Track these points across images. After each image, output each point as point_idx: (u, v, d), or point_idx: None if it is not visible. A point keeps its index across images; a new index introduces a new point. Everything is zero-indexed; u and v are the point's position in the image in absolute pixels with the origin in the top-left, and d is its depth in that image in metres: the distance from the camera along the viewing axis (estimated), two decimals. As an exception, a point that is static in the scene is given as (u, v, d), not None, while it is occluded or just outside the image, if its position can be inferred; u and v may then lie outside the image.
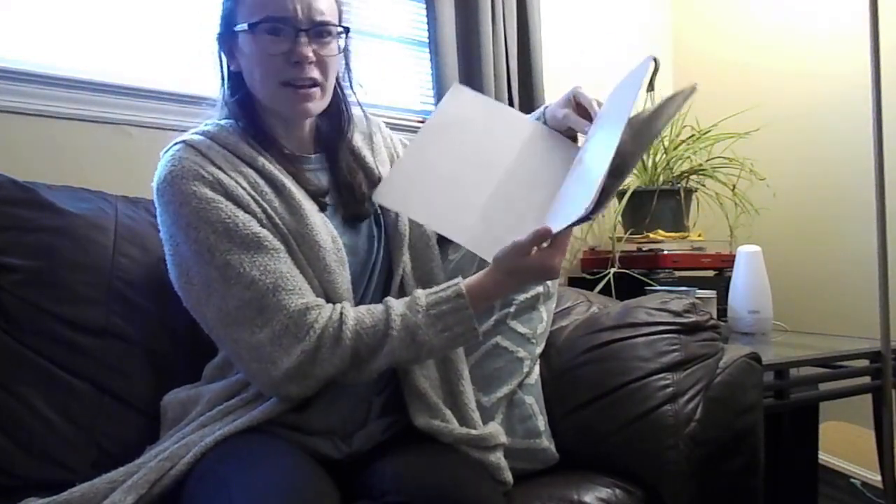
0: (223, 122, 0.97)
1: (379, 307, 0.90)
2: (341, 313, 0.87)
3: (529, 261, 0.88)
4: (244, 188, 0.90)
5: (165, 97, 1.49)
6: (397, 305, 0.89)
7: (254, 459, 0.79)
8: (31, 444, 0.96)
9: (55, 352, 1.01)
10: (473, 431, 0.95)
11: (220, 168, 0.90)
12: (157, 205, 0.91)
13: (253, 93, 0.97)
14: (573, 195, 0.90)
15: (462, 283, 0.90)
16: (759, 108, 2.04)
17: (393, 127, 1.83)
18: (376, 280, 1.01)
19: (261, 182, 0.92)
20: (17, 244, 1.03)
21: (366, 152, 1.07)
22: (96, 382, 1.02)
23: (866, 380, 1.50)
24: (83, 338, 1.03)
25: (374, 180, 1.03)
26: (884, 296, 1.46)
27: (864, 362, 1.51)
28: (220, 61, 0.99)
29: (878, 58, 1.42)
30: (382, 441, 0.97)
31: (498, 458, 0.96)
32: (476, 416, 0.98)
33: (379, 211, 1.04)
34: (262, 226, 0.89)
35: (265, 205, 0.90)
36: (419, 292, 0.90)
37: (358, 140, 1.08)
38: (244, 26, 0.92)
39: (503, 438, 0.98)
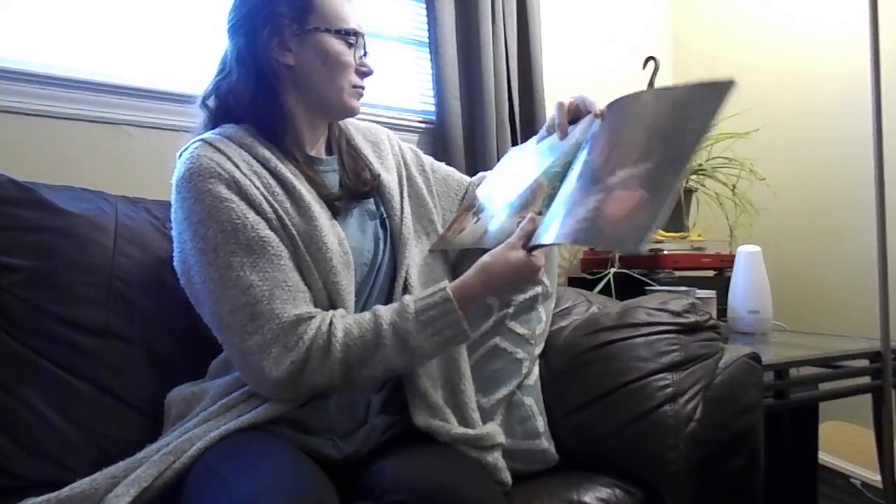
0: (232, 125, 0.98)
1: (367, 316, 0.90)
2: (330, 324, 0.88)
3: (507, 261, 0.93)
4: (257, 188, 0.92)
5: (165, 97, 1.49)
6: (386, 313, 0.90)
7: (254, 458, 0.80)
8: (31, 444, 0.96)
9: (55, 352, 1.01)
10: (471, 431, 0.95)
11: (236, 166, 0.92)
12: (173, 201, 0.92)
13: (308, 89, 1.00)
14: (567, 212, 0.90)
15: (448, 286, 0.92)
16: (759, 108, 2.04)
17: (393, 127, 1.85)
18: (381, 282, 1.03)
19: (273, 183, 0.94)
20: (17, 244, 1.03)
21: (373, 158, 1.11)
22: (96, 382, 1.02)
23: (866, 380, 1.50)
24: (83, 338, 1.03)
25: (374, 174, 1.08)
26: (884, 296, 1.46)
27: (864, 362, 1.50)
28: (254, 57, 0.98)
29: (878, 58, 1.42)
30: (381, 442, 0.97)
31: (496, 458, 0.96)
32: (476, 416, 0.99)
33: (385, 214, 1.07)
34: (272, 228, 0.91)
35: (276, 205, 0.92)
36: (407, 298, 0.92)
37: (366, 147, 1.12)
38: (328, 29, 0.98)
39: (501, 439, 0.99)
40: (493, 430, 0.98)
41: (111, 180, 1.27)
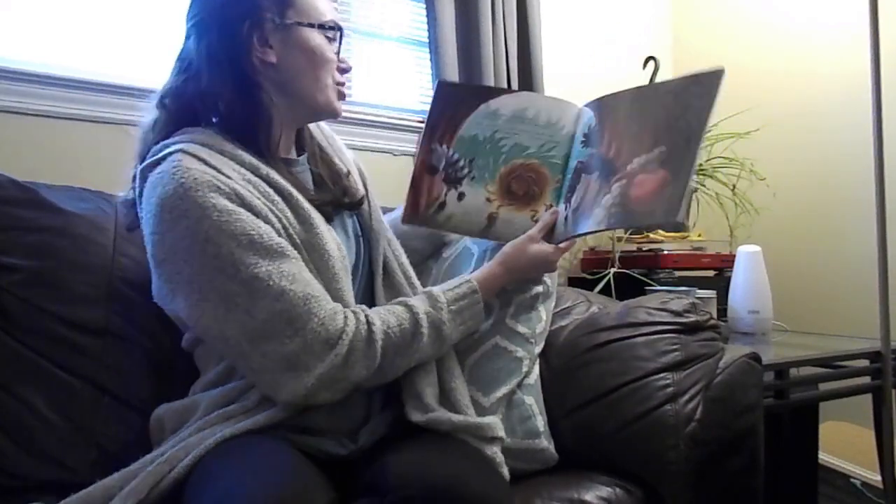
0: (199, 129, 0.92)
1: (398, 308, 0.92)
2: (366, 316, 0.88)
3: (527, 253, 1.01)
4: (258, 198, 0.87)
5: (165, 97, 1.49)
6: (419, 304, 0.93)
7: (250, 456, 0.78)
8: (31, 444, 0.96)
9: (55, 352, 1.01)
10: (471, 419, 0.95)
11: (228, 177, 0.86)
12: (158, 222, 0.83)
13: (290, 88, 0.96)
14: (592, 202, 0.98)
15: (473, 278, 0.99)
16: (759, 108, 2.04)
17: (393, 127, 1.85)
18: (362, 280, 1.02)
19: (270, 191, 0.89)
20: (17, 244, 1.03)
21: (334, 155, 1.11)
22: (96, 382, 1.02)
23: (866, 380, 1.50)
24: (83, 338, 1.03)
25: (345, 171, 1.08)
26: (884, 296, 1.46)
27: (864, 362, 1.50)
28: (231, 55, 0.92)
29: (878, 58, 1.42)
30: (386, 435, 0.97)
31: (494, 452, 0.96)
32: (471, 411, 0.99)
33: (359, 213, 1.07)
34: (279, 235, 0.87)
35: (279, 214, 0.88)
36: (436, 290, 0.96)
37: (328, 148, 1.11)
38: (310, 24, 0.94)
39: (501, 433, 0.98)
40: (493, 421, 0.98)
41: (111, 180, 1.27)
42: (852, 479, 1.87)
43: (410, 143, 1.88)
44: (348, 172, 1.08)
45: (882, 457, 1.50)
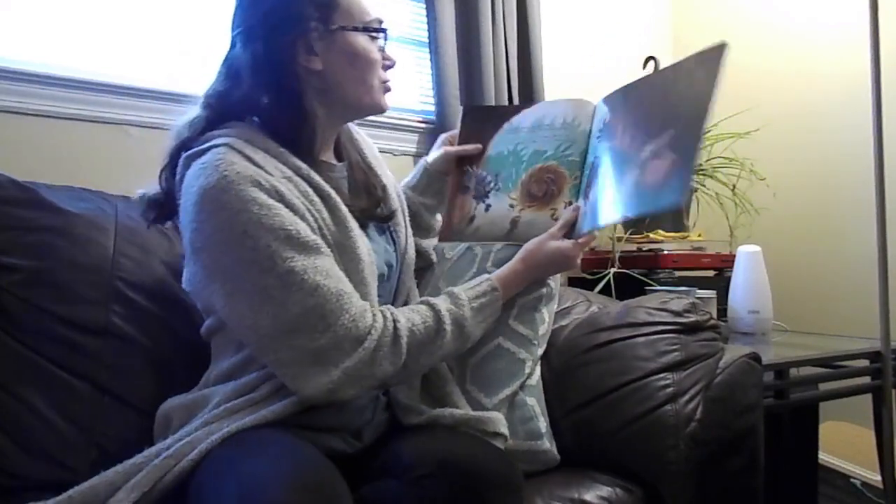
0: (245, 124, 0.93)
1: (422, 307, 0.94)
2: (392, 314, 0.90)
3: (546, 249, 1.03)
4: (297, 196, 0.88)
5: (165, 97, 1.49)
6: (441, 303, 0.94)
7: (266, 445, 0.79)
8: (31, 444, 0.96)
9: (55, 352, 1.01)
10: (472, 413, 0.97)
11: (270, 174, 0.87)
12: (198, 211, 0.84)
13: (336, 93, 0.96)
14: (612, 197, 1.00)
15: (494, 276, 1.02)
16: (759, 108, 2.04)
17: (393, 127, 1.85)
18: (385, 295, 1.03)
19: (310, 191, 0.90)
20: (17, 244, 1.03)
21: (373, 162, 1.11)
22: (96, 382, 1.02)
23: (866, 380, 1.50)
24: (83, 338, 1.03)
25: (382, 184, 1.08)
26: (884, 296, 1.46)
27: (864, 362, 1.50)
28: (275, 65, 0.92)
29: (878, 58, 1.42)
30: (387, 431, 0.99)
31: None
32: (468, 408, 1.00)
33: (392, 229, 1.07)
34: (314, 233, 0.88)
35: (316, 214, 0.89)
36: (456, 289, 0.98)
37: (368, 152, 1.12)
38: (355, 27, 0.95)
39: (504, 429, 0.99)
40: (497, 416, 0.99)
41: (111, 180, 1.27)
42: (852, 479, 1.87)
43: (411, 143, 1.88)
44: (385, 186, 1.08)
45: (882, 457, 1.50)
